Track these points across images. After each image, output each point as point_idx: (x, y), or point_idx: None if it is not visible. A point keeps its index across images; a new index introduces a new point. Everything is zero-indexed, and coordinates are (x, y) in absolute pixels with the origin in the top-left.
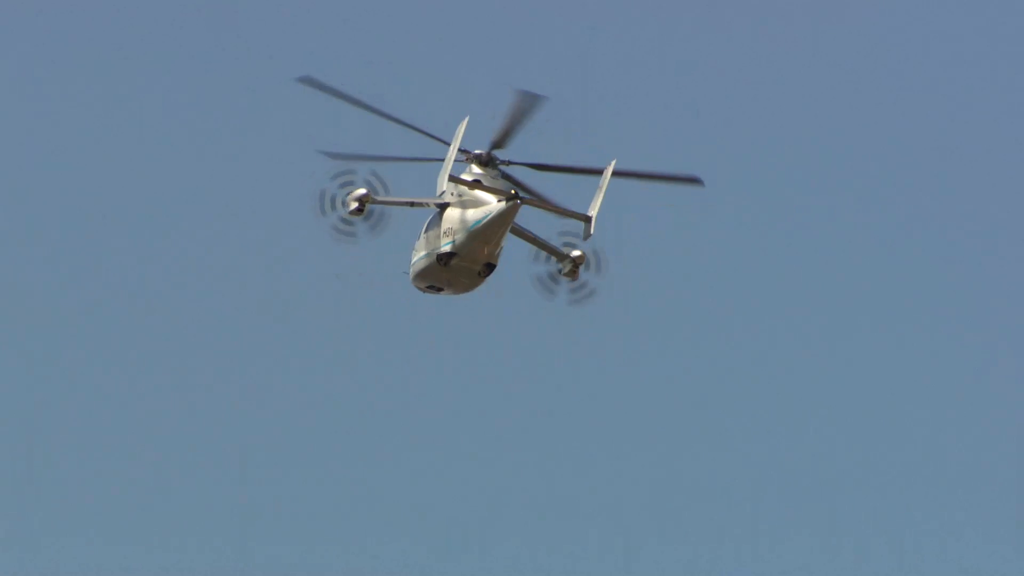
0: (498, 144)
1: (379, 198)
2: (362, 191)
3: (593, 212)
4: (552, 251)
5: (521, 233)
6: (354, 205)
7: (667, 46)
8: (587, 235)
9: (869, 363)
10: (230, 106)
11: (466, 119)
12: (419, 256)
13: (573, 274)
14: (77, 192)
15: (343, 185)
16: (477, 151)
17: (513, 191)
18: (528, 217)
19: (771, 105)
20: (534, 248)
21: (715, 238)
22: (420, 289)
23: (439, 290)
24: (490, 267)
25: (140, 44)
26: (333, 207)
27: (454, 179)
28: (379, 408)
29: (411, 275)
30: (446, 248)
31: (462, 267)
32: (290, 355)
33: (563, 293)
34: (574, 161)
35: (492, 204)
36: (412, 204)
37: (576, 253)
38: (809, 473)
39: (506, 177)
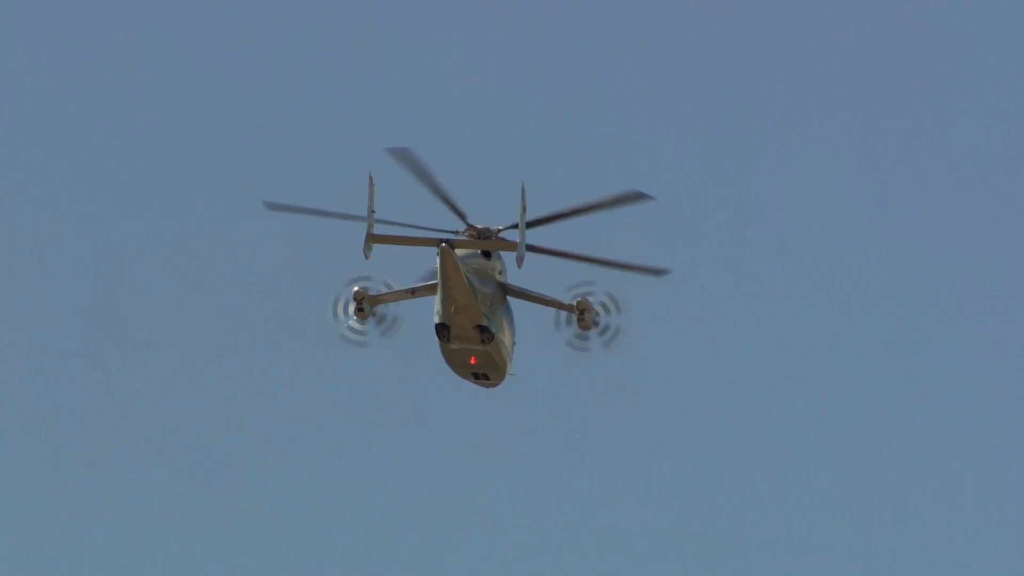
0: (540, 222)
1: (375, 294)
2: (355, 288)
3: (519, 240)
4: (557, 305)
5: (523, 294)
6: (353, 306)
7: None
8: (519, 262)
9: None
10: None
11: (370, 175)
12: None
13: (584, 323)
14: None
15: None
16: (477, 225)
17: (443, 239)
18: (532, 279)
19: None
20: (553, 311)
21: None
22: (471, 381)
23: (485, 376)
24: (482, 329)
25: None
26: (345, 312)
27: (374, 238)
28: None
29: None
30: (436, 321)
31: (462, 338)
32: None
33: (594, 345)
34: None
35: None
36: (413, 292)
37: (577, 300)
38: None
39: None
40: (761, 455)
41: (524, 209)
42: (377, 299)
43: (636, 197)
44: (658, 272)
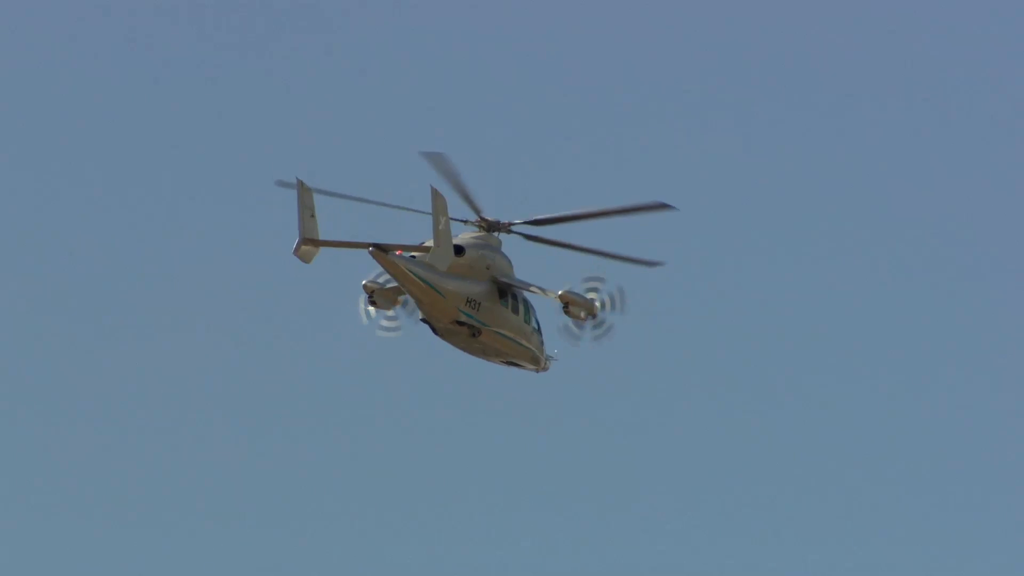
0: (547, 221)
1: (389, 287)
2: (363, 282)
3: (438, 244)
4: (546, 295)
5: (515, 287)
6: (371, 300)
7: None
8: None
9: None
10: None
11: (299, 180)
12: None
13: (571, 314)
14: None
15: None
16: (488, 217)
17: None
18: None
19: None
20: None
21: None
22: (507, 366)
23: (513, 363)
24: (461, 324)
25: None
26: (376, 313)
27: (310, 241)
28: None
29: None
30: (419, 318)
31: (449, 332)
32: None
33: (586, 335)
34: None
35: None
36: None
37: (560, 293)
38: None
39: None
40: (769, 454)
41: (441, 213)
42: (390, 292)
43: (659, 207)
44: (651, 264)
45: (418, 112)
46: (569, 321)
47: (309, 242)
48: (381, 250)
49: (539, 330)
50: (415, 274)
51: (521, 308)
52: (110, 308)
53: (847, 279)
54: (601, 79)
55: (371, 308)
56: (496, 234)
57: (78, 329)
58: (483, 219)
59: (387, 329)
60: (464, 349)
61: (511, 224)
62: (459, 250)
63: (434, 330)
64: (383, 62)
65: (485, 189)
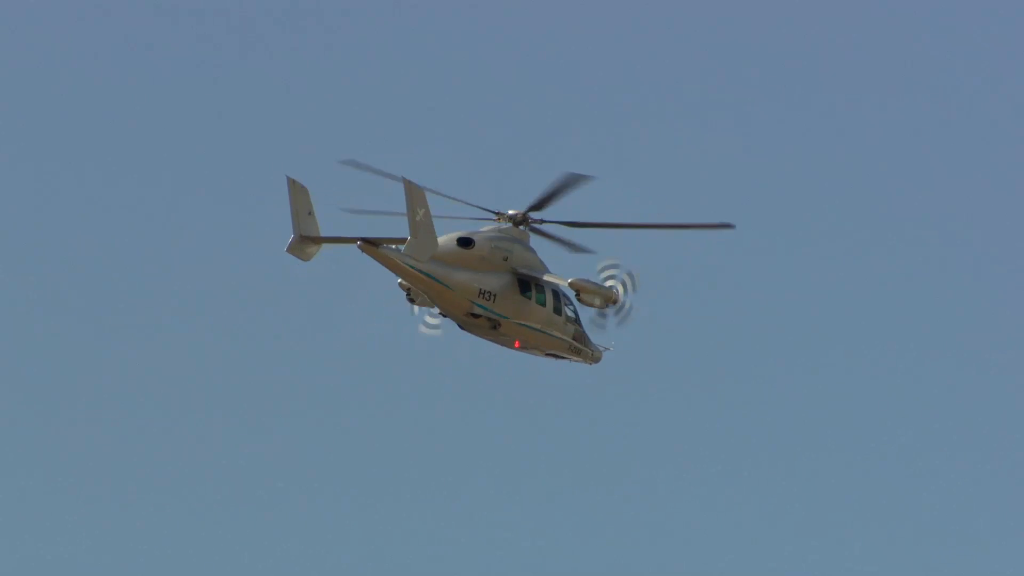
0: (536, 207)
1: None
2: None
3: (411, 236)
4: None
5: (533, 279)
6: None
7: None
8: (416, 257)
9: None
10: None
11: (289, 179)
12: None
13: (585, 302)
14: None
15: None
16: (511, 211)
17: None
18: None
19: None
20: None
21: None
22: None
23: (554, 355)
24: (475, 316)
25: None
26: (426, 315)
27: (305, 239)
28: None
29: None
30: (440, 312)
31: (468, 324)
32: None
33: (610, 320)
34: (604, 217)
35: None
36: None
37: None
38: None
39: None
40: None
41: (419, 205)
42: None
43: (576, 180)
44: (722, 227)
45: (418, 112)
46: (593, 312)
47: (304, 240)
48: (370, 244)
49: (577, 321)
50: (412, 266)
51: (550, 299)
52: (110, 308)
53: (847, 278)
54: (601, 79)
55: (418, 311)
56: (523, 228)
57: (77, 329)
58: (499, 214)
59: (428, 328)
60: (495, 342)
61: (542, 221)
62: (469, 242)
63: (461, 326)
64: (383, 62)
65: (486, 186)
